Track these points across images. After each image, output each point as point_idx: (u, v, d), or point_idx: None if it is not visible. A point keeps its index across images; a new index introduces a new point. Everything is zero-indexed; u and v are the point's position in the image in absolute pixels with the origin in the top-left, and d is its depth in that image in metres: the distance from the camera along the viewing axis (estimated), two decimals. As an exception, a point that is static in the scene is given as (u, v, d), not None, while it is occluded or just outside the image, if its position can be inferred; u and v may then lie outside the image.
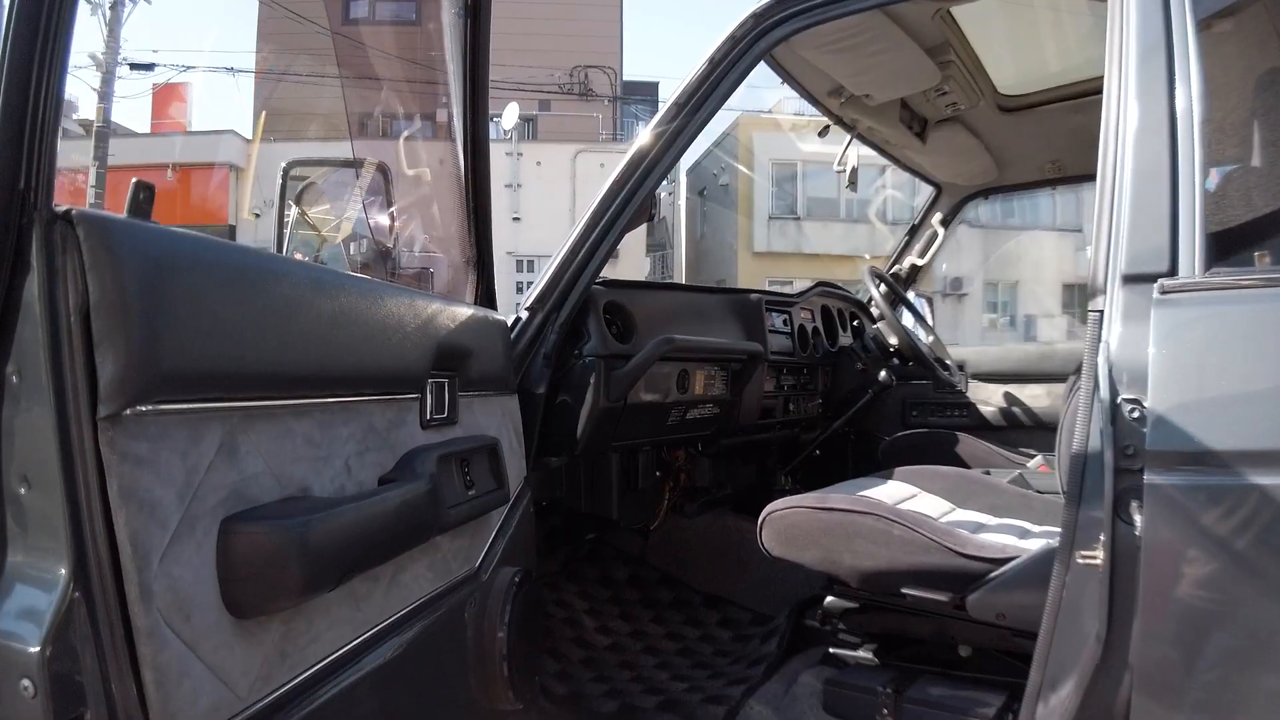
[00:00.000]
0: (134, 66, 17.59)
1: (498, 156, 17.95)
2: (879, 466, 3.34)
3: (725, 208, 21.56)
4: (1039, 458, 2.93)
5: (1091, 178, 3.19)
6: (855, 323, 3.67)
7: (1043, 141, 3.39)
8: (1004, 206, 20.53)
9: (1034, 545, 1.87)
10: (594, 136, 20.04)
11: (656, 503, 2.91)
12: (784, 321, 3.06)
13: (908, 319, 3.59)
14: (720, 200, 21.90)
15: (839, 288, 3.62)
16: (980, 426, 3.57)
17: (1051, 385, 3.52)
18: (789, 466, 3.34)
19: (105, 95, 16.45)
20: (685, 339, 2.30)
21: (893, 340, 3.21)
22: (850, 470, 3.60)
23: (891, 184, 20.13)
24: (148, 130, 20.30)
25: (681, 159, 2.22)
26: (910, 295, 3.75)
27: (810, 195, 21.19)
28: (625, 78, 22.44)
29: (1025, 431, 3.52)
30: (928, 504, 2.27)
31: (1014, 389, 3.59)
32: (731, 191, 21.17)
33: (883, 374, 3.19)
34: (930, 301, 3.77)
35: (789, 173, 21.09)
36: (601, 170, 18.12)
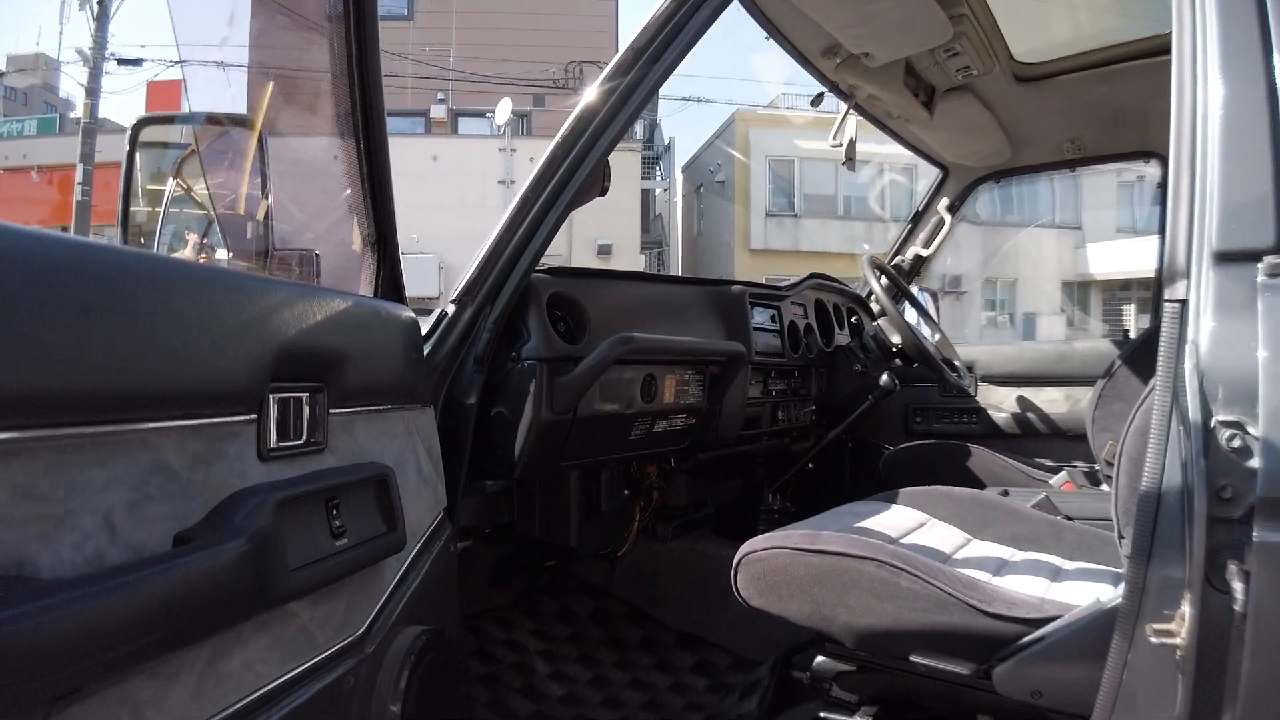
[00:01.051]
0: (122, 62, 17.21)
1: (490, 152, 17.62)
2: (879, 480, 2.95)
3: (722, 205, 21.18)
4: (1063, 474, 2.53)
5: (1114, 157, 2.80)
6: (853, 319, 3.26)
7: (1062, 116, 3.01)
8: (1003, 203, 20.25)
9: (1072, 594, 1.48)
10: (590, 133, 19.56)
11: (624, 525, 2.51)
12: (772, 318, 2.66)
13: (911, 315, 3.19)
14: (717, 197, 21.51)
15: (835, 280, 3.22)
16: (991, 435, 3.19)
17: (1070, 389, 3.15)
18: (778, 482, 2.93)
19: (93, 91, 16.06)
20: (649, 338, 1.91)
21: (895, 339, 2.80)
22: (847, 484, 3.21)
23: (890, 183, 19.86)
24: (139, 126, 19.87)
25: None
26: (914, 289, 3.35)
27: (808, 192, 20.87)
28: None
29: (1041, 440, 3.15)
30: (940, 535, 1.88)
31: (1028, 393, 3.21)
32: (728, 188, 20.79)
33: (884, 377, 2.78)
34: (935, 296, 3.37)
35: (787, 169, 20.74)
36: (596, 166, 17.75)
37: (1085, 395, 3.08)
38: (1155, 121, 2.95)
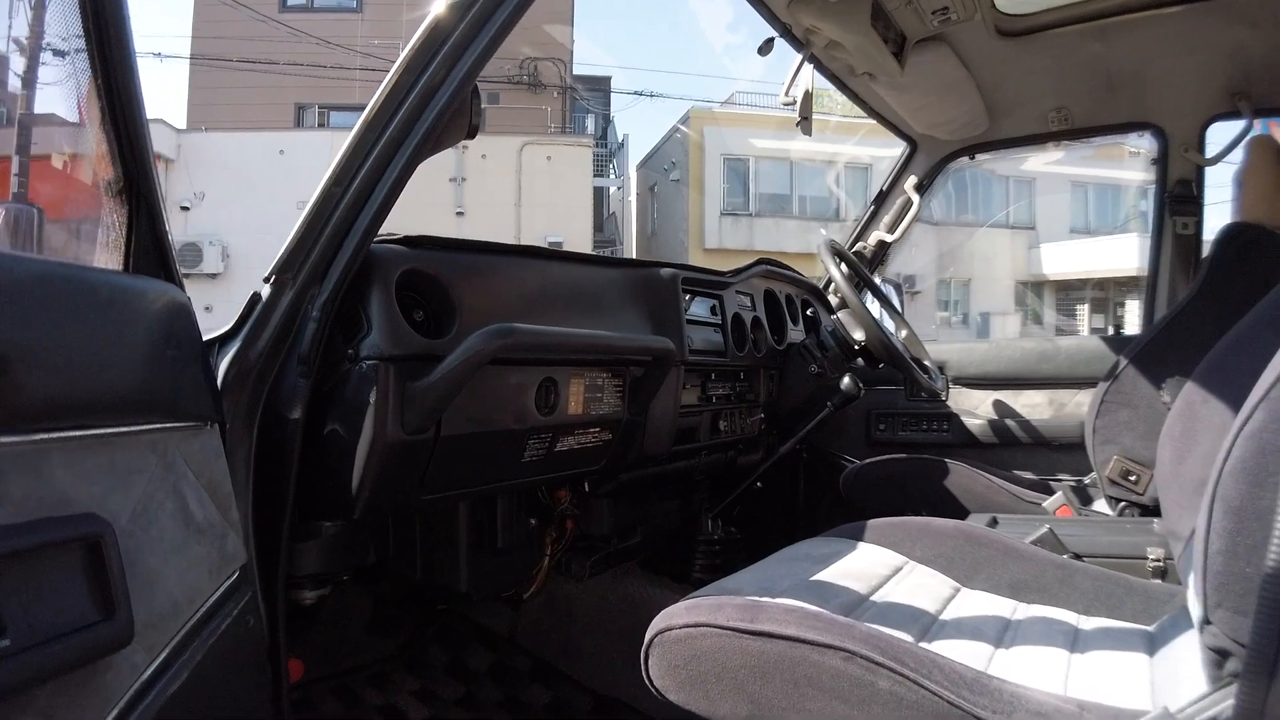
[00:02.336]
0: (57, 54, 16.44)
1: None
2: (839, 501, 2.51)
3: (677, 203, 20.75)
4: (1058, 495, 2.10)
5: (1105, 130, 2.36)
6: (809, 312, 2.81)
7: (1048, 79, 2.60)
8: (958, 203, 20.15)
9: (1105, 677, 1.13)
10: (543, 129, 19.11)
11: (531, 561, 2.03)
12: (713, 309, 2.20)
13: (875, 308, 2.76)
14: (671, 196, 21.08)
15: (787, 268, 2.76)
16: (965, 444, 2.78)
17: (1055, 392, 2.75)
18: (719, 506, 2.46)
19: (29, 83, 15.29)
20: (539, 330, 1.43)
21: (858, 335, 2.35)
22: (803, 503, 2.76)
23: (847, 182, 19.62)
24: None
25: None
26: (878, 279, 2.91)
27: (763, 191, 20.54)
28: (576, 71, 21.55)
29: (1022, 450, 2.75)
30: (922, 585, 1.45)
31: (1006, 396, 2.81)
32: (683, 187, 20.36)
33: (846, 380, 2.33)
34: (900, 288, 2.93)
35: (741, 168, 20.37)
36: (549, 162, 17.30)
37: (1071, 399, 2.68)
38: (1154, 87, 2.54)
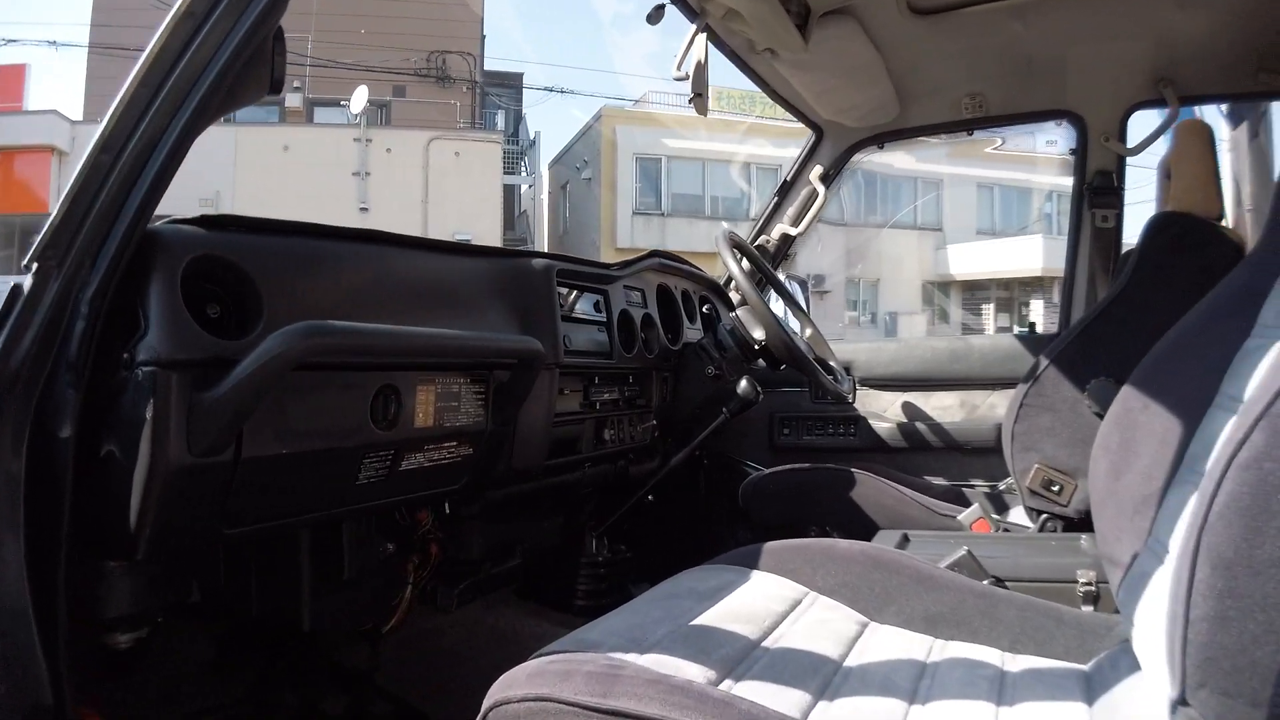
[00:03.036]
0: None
1: (344, 143, 16.60)
2: (742, 511, 2.31)
3: (589, 202, 20.50)
4: (974, 508, 1.92)
5: (1021, 118, 2.20)
6: (706, 309, 2.59)
7: (962, 63, 2.44)
8: (866, 203, 20.33)
9: None
10: (452, 124, 18.69)
11: (390, 592, 1.77)
12: (597, 306, 1.97)
13: (778, 306, 2.56)
14: (583, 194, 20.82)
15: (683, 262, 2.55)
16: (872, 448, 2.62)
17: (967, 393, 2.62)
18: (605, 524, 2.22)
19: None
20: (362, 329, 1.18)
21: (758, 334, 2.15)
22: (702, 516, 2.55)
23: (758, 183, 19.63)
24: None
25: None
26: (781, 275, 2.72)
27: (676, 191, 20.43)
28: (488, 66, 21.17)
29: (932, 454, 2.61)
30: (824, 623, 1.25)
31: (916, 398, 2.66)
32: (595, 185, 20.12)
33: (743, 384, 2.13)
34: (805, 285, 2.74)
35: (654, 167, 20.22)
36: (457, 158, 16.91)
37: (984, 400, 2.52)
38: (1074, 72, 2.39)
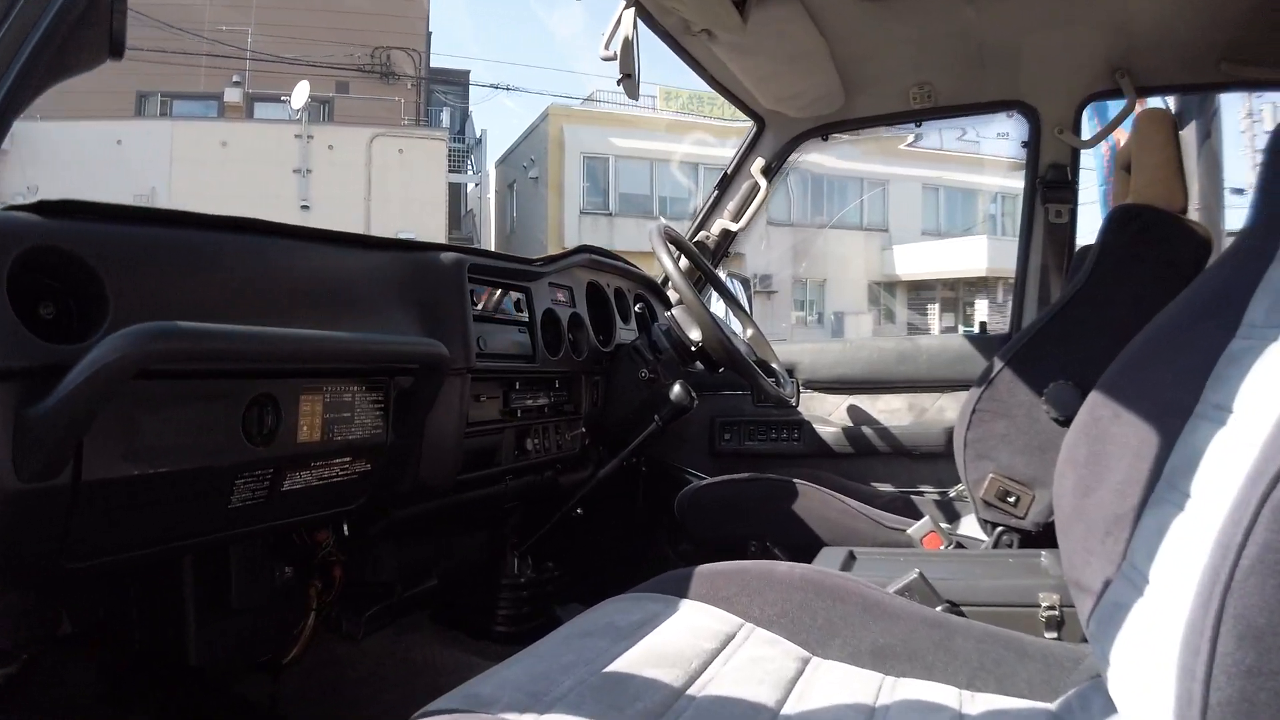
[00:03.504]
0: None
1: (285, 139, 16.25)
2: (678, 526, 2.16)
3: (536, 201, 20.27)
4: (924, 521, 1.78)
5: (971, 109, 2.09)
6: (639, 308, 2.43)
7: (910, 51, 2.31)
8: (813, 203, 20.37)
9: None
10: (396, 121, 18.36)
11: (290, 619, 1.60)
12: (518, 304, 1.81)
13: (718, 307, 2.42)
14: (530, 193, 20.58)
15: (616, 258, 2.39)
16: (817, 454, 2.50)
17: (915, 396, 2.51)
18: (528, 542, 2.05)
19: None
20: (219, 331, 1.00)
21: (694, 335, 2.00)
22: (639, 524, 2.39)
23: (706, 183, 19.52)
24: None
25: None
26: (722, 273, 2.57)
27: (624, 191, 20.26)
28: (434, 63, 20.85)
29: (879, 460, 2.49)
30: (762, 661, 1.11)
31: (862, 401, 2.54)
32: (541, 185, 19.89)
33: (676, 389, 1.97)
34: (747, 283, 2.60)
35: (601, 167, 20.04)
36: (400, 155, 16.61)
37: (933, 403, 2.41)
38: (1028, 61, 2.28)
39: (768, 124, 2.56)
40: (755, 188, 2.58)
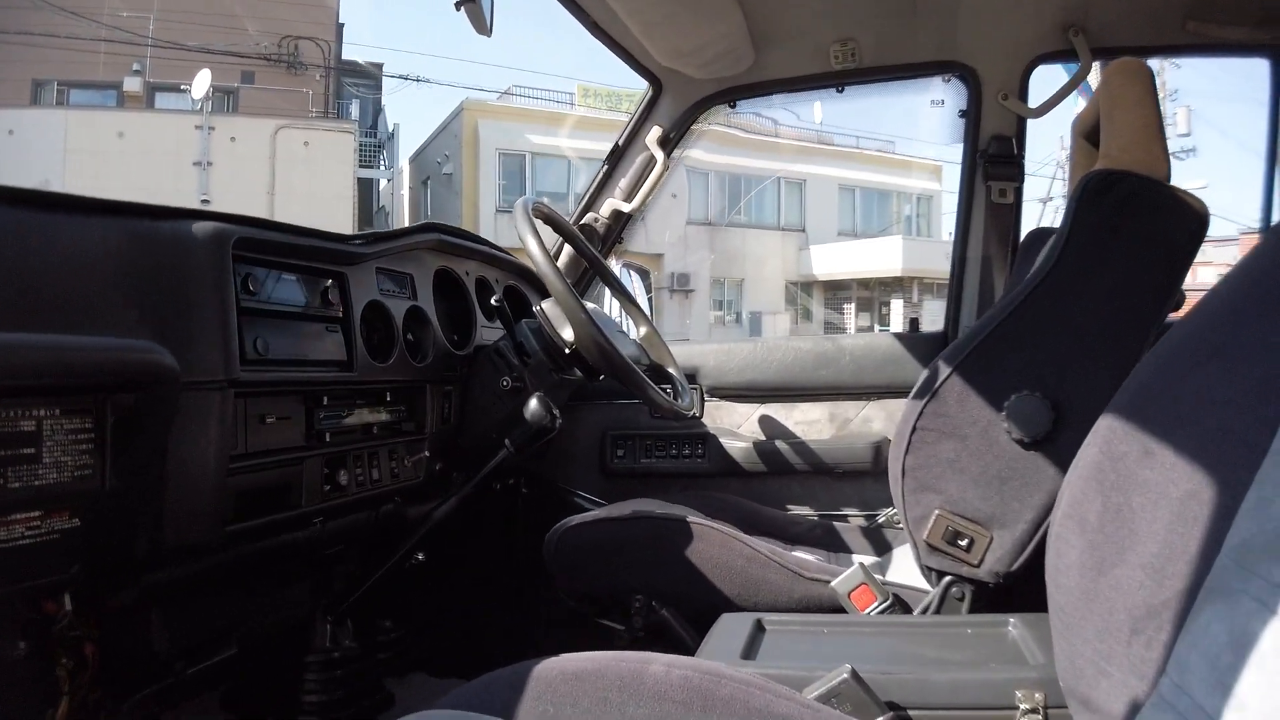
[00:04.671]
0: None
1: (186, 130, 15.53)
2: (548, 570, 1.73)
3: (450, 198, 19.64)
4: (852, 572, 1.38)
5: (900, 70, 1.77)
6: (495, 300, 1.93)
7: (831, 2, 1.96)
8: (730, 201, 20.19)
9: None
10: (304, 113, 17.59)
11: (36, 707, 1.14)
12: (328, 295, 1.37)
13: (606, 301, 2.02)
14: (445, 190, 19.93)
15: (477, 239, 1.96)
16: (724, 472, 2.11)
17: (836, 404, 2.14)
18: (345, 603, 1.59)
19: None
20: None
21: (567, 334, 1.57)
22: (518, 567, 1.97)
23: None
24: None
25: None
26: (614, 262, 2.17)
27: (540, 188, 19.75)
28: (347, 56, 20.10)
29: (797, 480, 2.11)
30: None
31: (776, 411, 2.16)
32: (456, 181, 19.27)
33: (533, 404, 1.52)
34: (645, 274, 2.20)
35: (517, 164, 19.50)
36: (306, 148, 15.90)
37: (857, 413, 2.06)
38: (967, 17, 1.93)
39: (665, 86, 2.16)
40: (651, 161, 2.17)
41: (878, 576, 1.40)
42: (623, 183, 2.20)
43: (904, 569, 1.55)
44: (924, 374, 1.60)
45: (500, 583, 2.00)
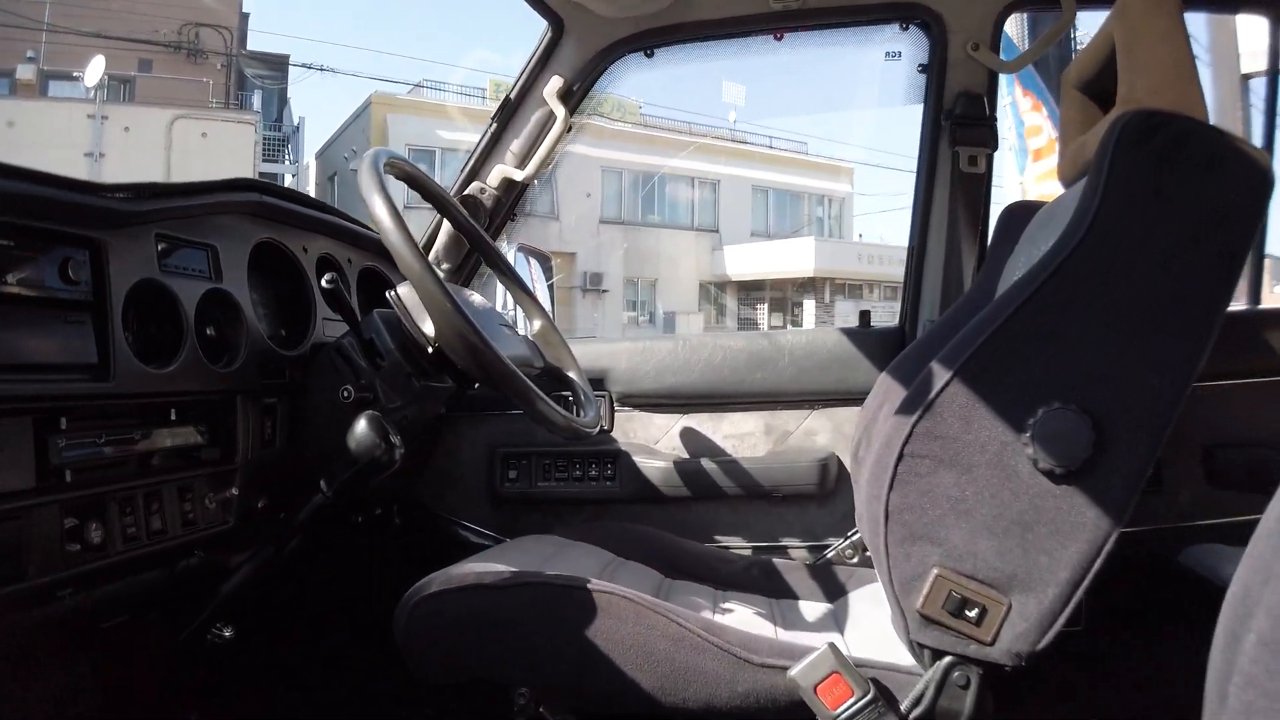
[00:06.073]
0: None
1: (76, 119, 14.70)
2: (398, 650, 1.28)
3: (357, 194, 18.98)
4: (822, 652, 0.98)
5: (852, 12, 1.41)
6: (327, 281, 1.42)
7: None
8: (645, 201, 20.00)
9: None
10: (204, 103, 16.75)
11: None
12: (68, 271, 0.93)
13: (499, 294, 1.62)
14: (353, 186, 19.20)
15: (321, 206, 1.53)
16: (639, 498, 1.72)
17: (773, 414, 1.76)
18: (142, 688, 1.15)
19: None
20: None
21: (428, 329, 1.15)
22: (376, 630, 1.55)
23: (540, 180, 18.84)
24: None
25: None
26: (505, 244, 1.76)
27: (449, 184, 19.21)
28: (253, 46, 19.27)
29: (727, 505, 1.72)
30: None
31: (701, 422, 1.77)
32: (364, 177, 18.63)
33: (360, 426, 1.08)
34: (545, 260, 1.79)
35: (428, 159, 18.92)
36: (204, 140, 15.11)
37: (800, 424, 1.71)
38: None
39: (568, 27, 1.73)
40: (550, 119, 1.76)
41: (848, 654, 1.01)
42: (515, 145, 1.78)
43: (872, 630, 1.17)
44: (880, 378, 1.30)
45: (354, 657, 1.57)
